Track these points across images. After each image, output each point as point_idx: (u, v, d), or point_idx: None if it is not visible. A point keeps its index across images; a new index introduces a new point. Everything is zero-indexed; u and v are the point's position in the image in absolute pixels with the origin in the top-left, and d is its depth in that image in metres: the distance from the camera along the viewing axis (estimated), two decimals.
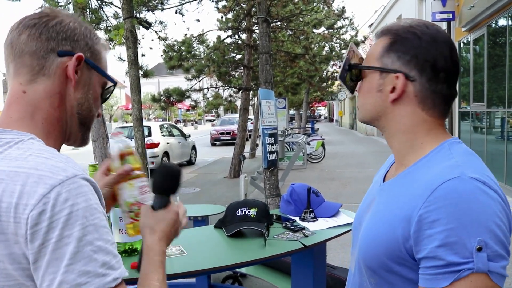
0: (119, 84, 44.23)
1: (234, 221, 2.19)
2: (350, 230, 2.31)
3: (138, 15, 7.44)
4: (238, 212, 2.20)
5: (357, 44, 15.26)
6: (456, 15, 11.45)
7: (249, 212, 2.19)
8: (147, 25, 5.58)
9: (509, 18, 9.02)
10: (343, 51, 16.82)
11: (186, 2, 9.77)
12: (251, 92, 14.23)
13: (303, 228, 2.22)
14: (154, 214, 1.13)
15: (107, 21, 7.87)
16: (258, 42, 13.42)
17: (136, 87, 4.81)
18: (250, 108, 17.06)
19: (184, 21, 13.14)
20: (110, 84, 1.12)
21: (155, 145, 13.50)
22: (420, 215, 0.92)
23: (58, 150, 0.97)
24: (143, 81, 6.60)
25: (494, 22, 9.85)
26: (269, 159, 8.21)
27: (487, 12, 9.53)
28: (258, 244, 2.07)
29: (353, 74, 1.15)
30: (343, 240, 2.10)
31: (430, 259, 0.90)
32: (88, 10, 7.53)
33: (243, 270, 3.51)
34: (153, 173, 1.12)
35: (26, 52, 0.96)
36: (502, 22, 9.51)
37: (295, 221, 2.36)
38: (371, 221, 1.10)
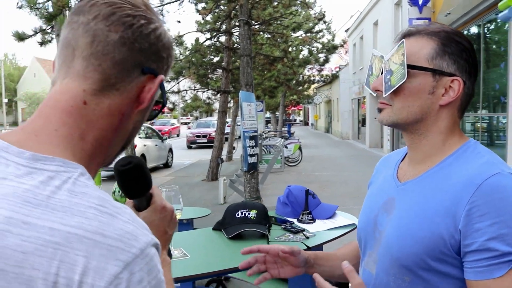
0: None
1: (234, 223, 2.17)
2: (350, 231, 2.33)
3: None
4: (238, 214, 2.18)
5: (335, 47, 15.43)
6: (432, 21, 11.65)
7: (249, 214, 2.17)
8: None
9: (483, 26, 9.25)
10: (320, 54, 16.97)
11: (167, 3, 9.70)
12: (229, 94, 14.21)
13: (303, 230, 2.21)
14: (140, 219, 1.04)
15: None
16: (237, 44, 13.46)
17: None
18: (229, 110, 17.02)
19: (164, 23, 13.02)
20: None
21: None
22: (469, 209, 0.95)
23: (96, 174, 0.81)
24: None
25: (468, 29, 10.09)
26: (249, 162, 8.20)
27: (462, 20, 9.75)
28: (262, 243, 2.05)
29: (397, 74, 1.10)
30: (338, 242, 2.10)
31: (482, 251, 0.93)
32: (68, 9, 7.41)
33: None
34: (120, 178, 0.94)
35: (111, 57, 0.75)
36: (475, 29, 9.75)
37: (293, 222, 2.35)
38: (402, 220, 1.09)
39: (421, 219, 1.03)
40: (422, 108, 1.08)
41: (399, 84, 1.07)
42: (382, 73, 1.15)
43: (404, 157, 1.25)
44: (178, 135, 14.46)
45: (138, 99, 0.80)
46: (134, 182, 0.95)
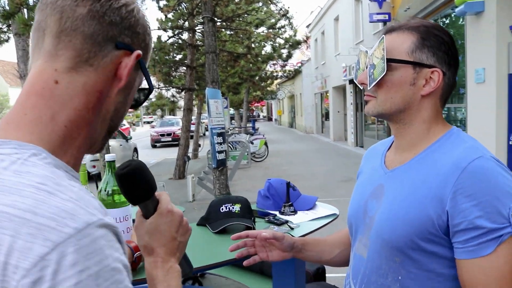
0: None
1: (219, 217, 2.19)
2: (332, 220, 2.40)
3: None
4: (222, 209, 2.20)
5: (298, 43, 15.57)
6: (392, 16, 11.94)
7: (233, 208, 2.19)
8: None
9: (440, 20, 9.54)
10: (283, 50, 17.09)
11: None
12: (193, 92, 14.14)
13: (287, 222, 2.26)
14: (145, 225, 0.94)
15: None
16: (200, 42, 13.39)
17: None
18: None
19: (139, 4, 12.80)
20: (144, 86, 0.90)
21: None
22: (455, 191, 1.02)
23: (80, 161, 0.79)
24: None
25: None
26: (218, 158, 8.21)
27: (421, 15, 10.00)
28: None
29: (379, 67, 1.16)
30: (322, 231, 2.16)
31: (470, 230, 1.00)
32: (26, 7, 7.20)
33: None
34: (119, 183, 0.91)
35: (81, 31, 0.73)
36: None
37: (276, 215, 2.40)
38: (392, 205, 1.14)
39: (410, 203, 1.10)
40: (404, 99, 1.15)
41: (380, 77, 1.14)
42: (367, 67, 1.22)
43: (390, 146, 1.32)
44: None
45: (116, 76, 0.78)
46: (134, 186, 0.92)
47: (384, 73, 1.13)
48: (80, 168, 1.86)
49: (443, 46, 1.14)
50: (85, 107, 0.75)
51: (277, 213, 2.45)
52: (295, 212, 2.44)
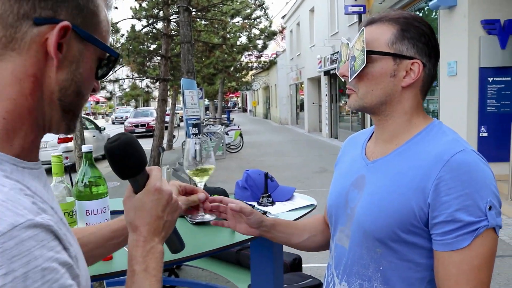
0: None
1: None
2: (311, 211, 2.41)
3: None
4: None
5: (274, 34, 15.55)
6: (367, 8, 12.04)
7: None
8: None
9: (415, 13, 9.67)
10: (259, 41, 17.06)
11: None
12: (168, 82, 14.00)
13: (265, 212, 2.27)
14: (132, 201, 0.92)
15: None
16: (175, 31, 13.24)
17: None
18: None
19: None
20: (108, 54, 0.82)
21: (69, 139, 12.86)
22: (437, 184, 1.03)
23: (35, 147, 0.75)
24: None
25: None
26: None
27: (396, 7, 10.12)
28: (226, 231, 2.08)
29: (359, 60, 1.16)
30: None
31: (448, 222, 1.02)
32: None
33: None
34: (108, 157, 0.89)
35: None
36: None
37: (254, 206, 2.40)
38: (374, 196, 1.15)
39: (392, 194, 1.10)
40: (385, 91, 1.15)
41: (360, 69, 1.13)
42: (348, 59, 1.21)
43: (371, 136, 1.32)
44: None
45: (47, 55, 0.71)
46: (123, 161, 0.90)
47: (364, 65, 1.12)
48: (55, 159, 1.83)
49: (423, 38, 1.14)
50: (21, 95, 0.70)
51: (255, 204, 2.46)
52: (273, 203, 2.45)
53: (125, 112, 30.08)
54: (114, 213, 2.47)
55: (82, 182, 1.86)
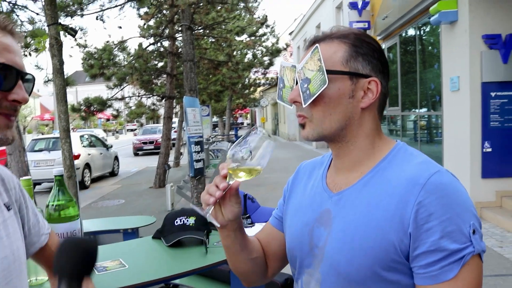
0: (34, 93, 40.70)
1: (173, 230, 2.16)
2: None
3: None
4: (177, 222, 2.17)
5: (279, 51, 15.62)
6: (371, 24, 12.06)
7: (187, 221, 2.16)
8: (73, 32, 5.34)
9: (418, 29, 9.66)
10: (265, 58, 17.14)
11: (107, 8, 9.52)
12: (174, 100, 14.09)
13: None
14: None
15: (22, 26, 7.48)
16: (181, 49, 13.36)
17: (62, 97, 4.60)
18: (174, 116, 16.87)
19: (105, 28, 12.79)
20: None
21: (76, 157, 12.94)
22: (416, 211, 0.93)
23: None
24: None
25: (405, 31, 10.49)
26: (195, 167, 8.15)
27: (399, 23, 10.13)
28: (200, 252, 2.06)
29: (316, 81, 1.03)
30: None
31: (432, 252, 0.92)
32: None
33: (177, 281, 3.47)
34: (59, 248, 0.85)
35: None
36: (411, 32, 10.16)
37: None
38: (346, 232, 1.02)
39: (367, 228, 0.98)
40: (345, 114, 1.05)
41: (321, 90, 1.01)
42: (297, 83, 1.09)
43: (329, 166, 1.20)
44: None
45: None
46: (78, 258, 0.85)
47: (326, 84, 1.00)
48: (25, 183, 1.83)
49: (376, 53, 1.06)
50: None
51: None
52: (252, 224, 2.42)
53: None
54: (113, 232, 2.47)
55: (53, 206, 1.86)
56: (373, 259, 0.96)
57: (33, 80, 1.07)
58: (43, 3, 5.10)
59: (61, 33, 4.97)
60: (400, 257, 0.95)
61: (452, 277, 0.91)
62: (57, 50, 4.69)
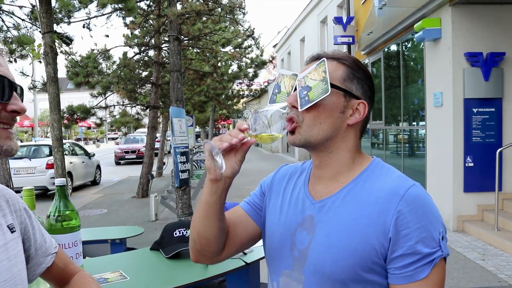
0: None
1: (172, 242, 2.17)
2: None
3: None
4: (176, 233, 2.19)
5: (264, 63, 15.72)
6: (356, 39, 12.24)
7: (186, 232, 2.18)
8: (69, 41, 5.31)
9: (401, 45, 9.84)
10: (249, 69, 17.22)
11: (94, 17, 9.48)
12: (159, 110, 14.04)
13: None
14: None
15: (8, 32, 7.41)
16: (166, 59, 13.35)
17: (56, 106, 4.55)
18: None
19: (91, 36, 12.72)
20: None
21: None
22: (396, 218, 1.06)
23: None
24: (40, 96, 6.14)
25: (389, 47, 10.68)
26: (181, 177, 8.12)
27: (383, 38, 10.31)
28: (199, 265, 2.07)
29: (317, 89, 1.13)
30: None
31: (409, 255, 1.04)
32: None
33: None
34: None
35: None
36: (395, 47, 10.34)
37: None
38: (330, 236, 1.12)
39: (351, 233, 1.09)
40: (333, 126, 1.16)
41: (322, 97, 1.11)
42: (295, 89, 1.18)
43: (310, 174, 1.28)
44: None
45: None
46: None
47: (328, 93, 1.10)
48: (27, 193, 1.82)
49: (368, 81, 1.19)
50: None
51: None
52: None
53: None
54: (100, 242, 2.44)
55: (54, 216, 1.86)
56: (355, 260, 1.08)
57: (22, 91, 1.10)
58: (37, 9, 5.07)
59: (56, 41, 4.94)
60: (379, 259, 1.07)
61: (423, 277, 1.04)
62: (51, 58, 4.66)
